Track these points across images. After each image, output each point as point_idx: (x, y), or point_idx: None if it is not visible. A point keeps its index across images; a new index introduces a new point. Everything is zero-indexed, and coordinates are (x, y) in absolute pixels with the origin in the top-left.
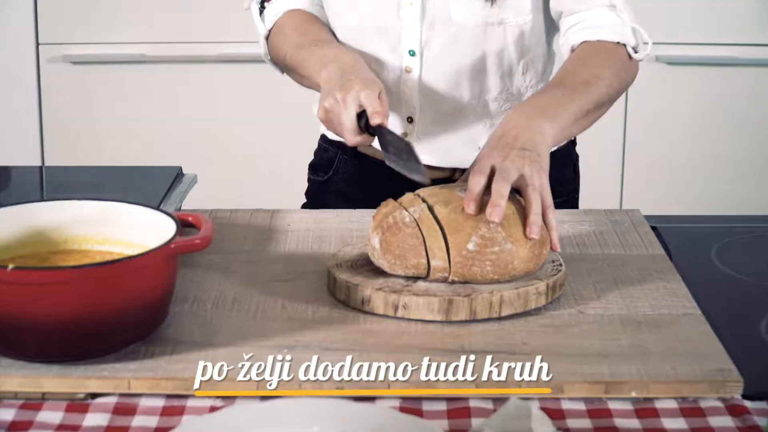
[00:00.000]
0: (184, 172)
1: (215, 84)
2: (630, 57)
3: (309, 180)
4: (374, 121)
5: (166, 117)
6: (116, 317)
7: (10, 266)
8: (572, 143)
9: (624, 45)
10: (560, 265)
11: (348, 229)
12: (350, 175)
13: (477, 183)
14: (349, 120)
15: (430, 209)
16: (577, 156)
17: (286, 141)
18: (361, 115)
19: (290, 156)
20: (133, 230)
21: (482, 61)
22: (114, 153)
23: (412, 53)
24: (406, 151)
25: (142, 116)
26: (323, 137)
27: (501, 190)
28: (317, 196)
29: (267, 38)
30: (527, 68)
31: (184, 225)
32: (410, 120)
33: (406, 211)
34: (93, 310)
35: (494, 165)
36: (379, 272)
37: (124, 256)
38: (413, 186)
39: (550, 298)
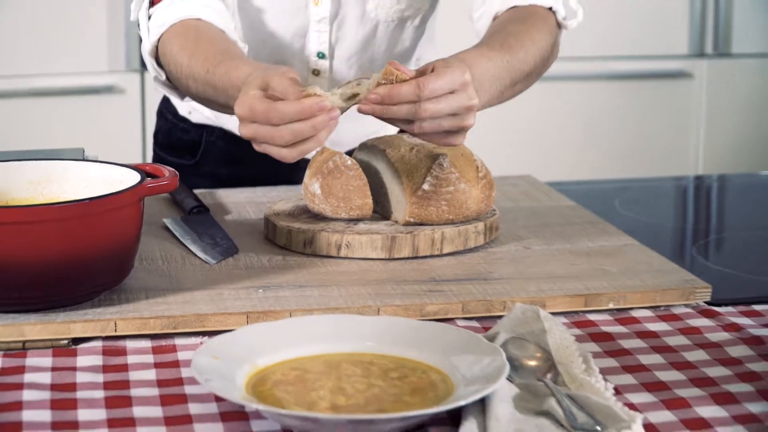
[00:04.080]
0: None
1: None
2: (559, 26)
3: (163, 161)
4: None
5: None
6: (97, 258)
7: None
8: None
9: (554, 12)
10: (494, 210)
11: (241, 202)
12: (223, 156)
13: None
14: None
15: (381, 153)
16: None
17: None
18: None
19: None
20: (83, 187)
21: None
22: None
23: (321, 56)
24: None
25: None
26: (177, 116)
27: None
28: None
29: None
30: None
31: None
32: None
33: (346, 154)
34: (76, 250)
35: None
36: (319, 218)
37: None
38: (294, 167)
39: (488, 238)
